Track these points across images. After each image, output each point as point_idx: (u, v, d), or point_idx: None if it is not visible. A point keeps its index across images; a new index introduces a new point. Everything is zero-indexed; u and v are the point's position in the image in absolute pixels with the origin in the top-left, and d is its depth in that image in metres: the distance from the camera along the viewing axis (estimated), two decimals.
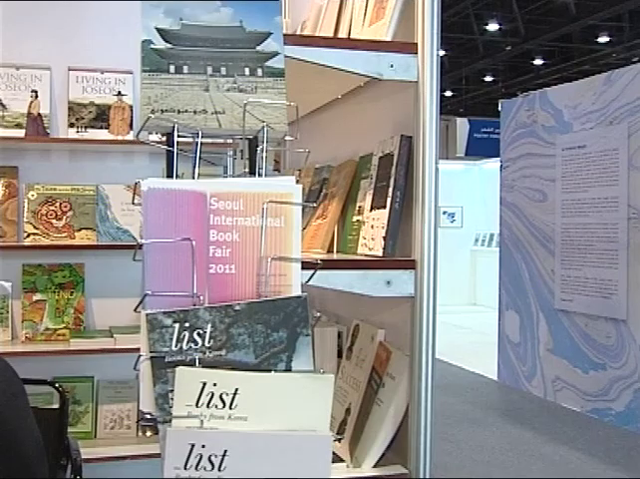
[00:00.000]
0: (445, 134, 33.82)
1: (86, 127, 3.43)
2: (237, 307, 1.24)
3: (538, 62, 24.19)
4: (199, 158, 1.39)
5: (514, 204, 7.44)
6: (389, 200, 1.60)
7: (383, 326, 1.81)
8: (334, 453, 1.74)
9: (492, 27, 19.34)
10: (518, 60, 24.75)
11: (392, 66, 1.55)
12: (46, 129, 3.43)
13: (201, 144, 1.44)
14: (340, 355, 2.08)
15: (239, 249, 1.28)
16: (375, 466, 1.65)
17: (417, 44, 1.59)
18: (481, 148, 17.74)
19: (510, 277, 7.52)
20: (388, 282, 1.55)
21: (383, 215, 1.60)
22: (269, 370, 1.24)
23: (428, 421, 1.61)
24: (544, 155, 7.00)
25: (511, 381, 7.46)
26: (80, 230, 3.46)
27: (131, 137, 3.48)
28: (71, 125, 3.44)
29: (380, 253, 1.58)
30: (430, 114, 1.61)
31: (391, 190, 1.60)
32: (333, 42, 1.60)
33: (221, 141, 3.24)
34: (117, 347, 3.39)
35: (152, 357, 1.23)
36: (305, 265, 1.30)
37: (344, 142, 2.23)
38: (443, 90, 32.02)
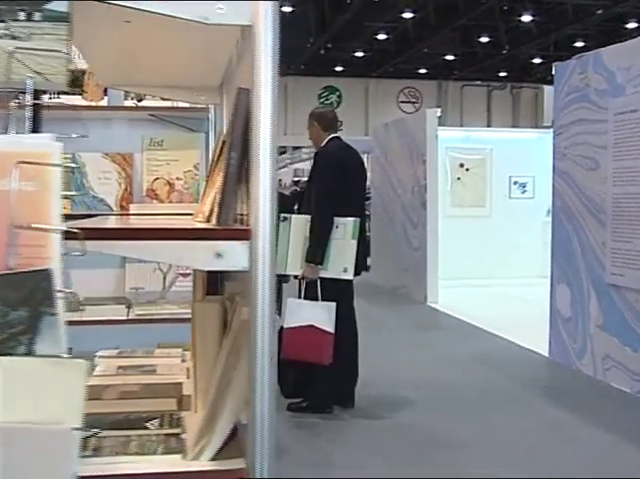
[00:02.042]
0: (534, 102, 32.89)
1: (59, 92, 3.34)
2: None
3: (632, 25, 23.05)
4: None
5: (567, 172, 7.06)
6: (224, 162, 1.43)
7: None
8: (182, 442, 1.59)
9: None
10: (610, 24, 23.69)
11: (220, 8, 1.36)
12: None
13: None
14: None
15: None
16: (215, 459, 1.49)
17: None
18: None
19: (562, 250, 7.16)
20: (218, 254, 1.38)
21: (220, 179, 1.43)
22: (8, 354, 1.09)
23: (265, 408, 1.43)
24: (597, 120, 6.59)
25: (562, 358, 7.13)
26: None
27: (106, 102, 3.37)
28: (43, 91, 3.35)
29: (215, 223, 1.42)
30: (266, 63, 1.41)
31: (226, 150, 1.43)
32: None
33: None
34: (100, 319, 3.31)
35: None
36: (68, 235, 1.14)
37: None
38: (531, 57, 31.12)
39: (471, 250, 12.33)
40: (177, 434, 1.62)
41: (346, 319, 5.58)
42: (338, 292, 5.40)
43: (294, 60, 32.53)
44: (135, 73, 2.49)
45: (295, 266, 5.43)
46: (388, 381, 6.49)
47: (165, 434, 1.61)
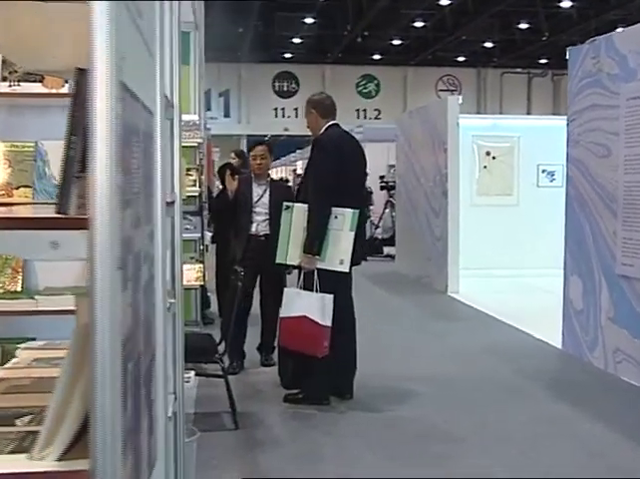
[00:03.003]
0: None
1: (19, 80, 3.30)
2: None
3: None
4: None
5: (580, 160, 6.88)
6: (64, 146, 1.35)
7: None
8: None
9: None
10: None
11: None
12: None
13: None
14: None
15: None
16: (62, 459, 1.42)
17: None
18: None
19: (575, 239, 6.98)
20: (54, 244, 1.31)
21: None
22: None
23: (107, 408, 1.36)
24: (609, 106, 6.40)
25: (575, 351, 6.96)
26: (18, 187, 3.34)
27: (66, 90, 3.32)
28: (4, 79, 3.32)
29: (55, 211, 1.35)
30: (101, 40, 1.33)
31: (66, 133, 1.36)
32: None
33: None
34: (54, 309, 3.27)
35: None
36: None
37: None
38: (572, 44, 30.56)
39: (497, 240, 12.14)
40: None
41: (343, 310, 5.50)
42: (335, 283, 5.32)
43: (331, 49, 32.40)
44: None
45: (295, 256, 5.37)
46: (393, 372, 6.41)
47: (28, 432, 1.55)
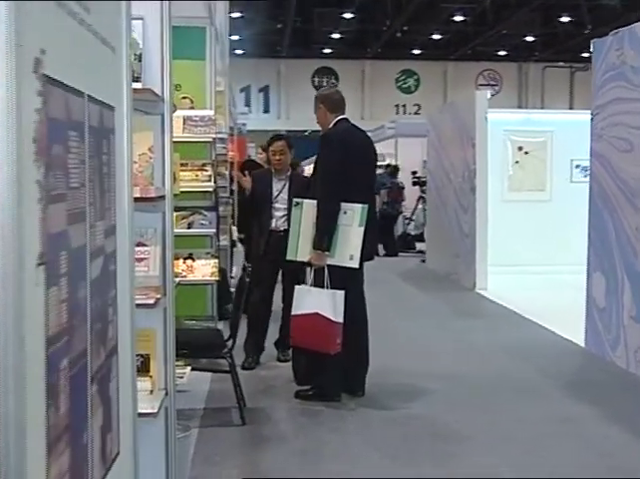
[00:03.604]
0: None
1: None
2: None
3: None
4: None
5: (603, 155, 6.74)
6: None
7: None
8: None
9: None
10: None
11: None
12: None
13: None
14: None
15: None
16: None
17: None
18: None
19: (598, 236, 6.85)
20: None
21: None
22: None
23: (10, 404, 1.34)
24: (632, 99, 6.25)
25: (597, 350, 6.82)
26: None
27: None
28: None
29: None
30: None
31: None
32: None
33: None
34: None
35: None
36: None
37: None
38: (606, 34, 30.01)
39: (529, 236, 11.97)
40: None
41: (355, 306, 5.46)
42: (346, 279, 5.28)
43: (371, 44, 32.26)
44: None
45: (305, 253, 5.33)
46: (408, 369, 6.35)
47: None
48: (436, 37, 30.89)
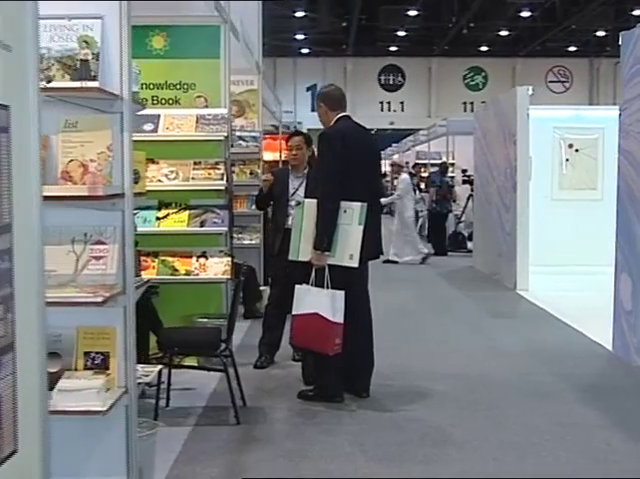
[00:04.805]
0: None
1: None
2: None
3: None
4: None
5: (630, 152, 6.49)
6: None
7: None
8: None
9: None
10: None
11: None
12: None
13: None
14: None
15: None
16: None
17: None
18: None
19: (625, 236, 6.60)
20: None
21: None
22: None
23: None
24: None
25: (623, 353, 6.58)
26: None
27: None
28: None
29: None
30: None
31: None
32: None
33: None
34: None
35: None
36: None
37: None
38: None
39: (579, 236, 11.65)
40: None
41: (358, 306, 5.39)
42: (348, 279, 5.22)
43: (437, 41, 31.93)
44: None
45: (307, 253, 5.29)
46: (423, 369, 6.26)
47: None
48: (503, 33, 30.38)
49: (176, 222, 6.24)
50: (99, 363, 3.47)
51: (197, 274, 6.19)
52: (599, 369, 6.41)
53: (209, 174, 6.19)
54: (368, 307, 5.60)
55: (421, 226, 15.24)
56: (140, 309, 5.39)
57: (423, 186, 15.96)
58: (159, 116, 6.25)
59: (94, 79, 3.35)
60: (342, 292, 5.12)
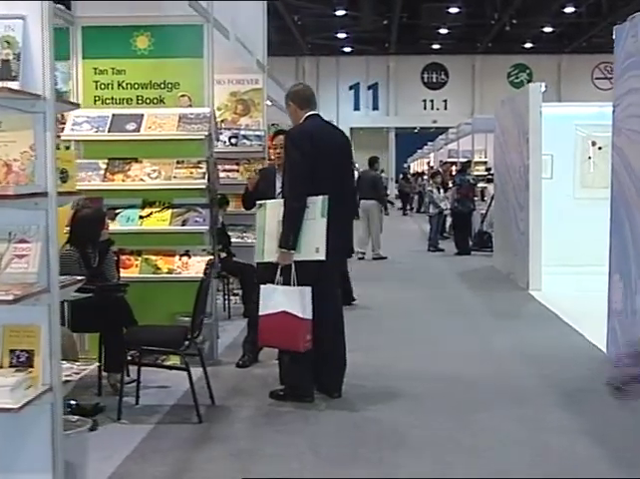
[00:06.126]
0: None
1: None
2: None
3: None
4: None
5: (621, 149, 6.33)
6: None
7: None
8: None
9: None
10: None
11: None
12: None
13: None
14: None
15: None
16: None
17: None
18: None
19: (616, 236, 6.44)
20: None
21: None
22: None
23: None
24: None
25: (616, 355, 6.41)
26: None
27: None
28: None
29: None
30: None
31: None
32: None
33: None
34: None
35: None
36: None
37: None
38: None
39: (601, 236, 11.36)
40: None
41: (328, 303, 5.36)
42: (316, 275, 5.17)
43: (480, 38, 31.59)
44: None
45: (272, 253, 5.27)
46: (403, 372, 6.17)
47: None
48: (547, 30, 29.95)
49: (159, 220, 6.29)
50: (23, 361, 3.49)
51: (180, 273, 6.24)
52: (588, 372, 6.22)
53: (191, 173, 6.22)
54: (338, 304, 5.56)
55: (444, 224, 15.09)
56: (113, 308, 5.50)
57: (450, 184, 15.78)
58: (142, 115, 6.30)
59: (14, 79, 3.38)
60: (309, 289, 5.09)
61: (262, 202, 5.44)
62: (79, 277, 3.84)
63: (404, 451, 4.48)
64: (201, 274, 6.14)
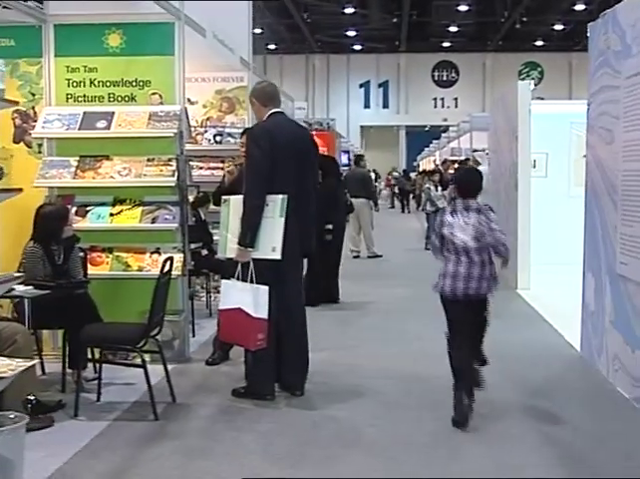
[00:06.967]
0: None
1: None
2: None
3: None
4: None
5: (593, 147, 6.29)
6: None
7: None
8: None
9: None
10: None
11: None
12: None
13: None
14: None
15: None
16: None
17: None
18: None
19: (590, 234, 6.39)
20: None
21: None
22: None
23: None
24: (613, 87, 5.79)
25: (588, 355, 6.37)
26: None
27: None
28: None
29: None
30: None
31: None
32: None
33: None
34: None
35: None
36: None
37: None
38: None
39: None
40: None
41: (290, 303, 5.35)
42: (275, 274, 5.17)
43: (491, 36, 31.43)
44: None
45: (234, 249, 5.27)
46: (372, 371, 6.15)
47: None
48: (558, 27, 29.75)
49: (129, 218, 6.30)
50: None
51: (149, 271, 6.24)
52: (559, 372, 6.17)
53: (161, 170, 6.22)
54: (300, 304, 5.54)
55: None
56: (75, 305, 5.52)
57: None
58: (113, 113, 6.31)
59: None
60: (266, 288, 5.07)
61: (227, 197, 5.43)
62: (16, 274, 3.86)
63: (356, 450, 4.47)
64: (174, 272, 6.14)
